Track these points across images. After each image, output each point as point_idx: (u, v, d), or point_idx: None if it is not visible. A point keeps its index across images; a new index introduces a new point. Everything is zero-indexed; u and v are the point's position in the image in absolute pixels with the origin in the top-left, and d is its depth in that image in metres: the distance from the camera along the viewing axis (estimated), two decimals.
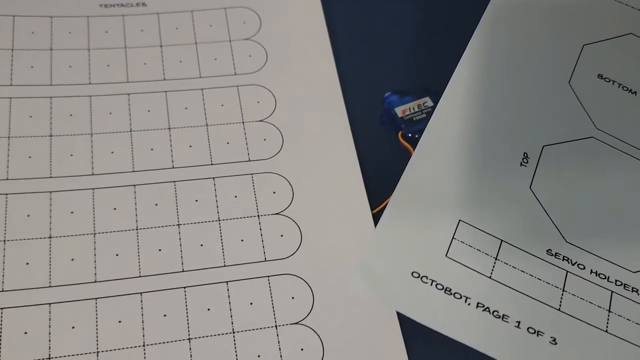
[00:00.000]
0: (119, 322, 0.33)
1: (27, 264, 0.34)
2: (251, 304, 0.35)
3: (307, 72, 0.43)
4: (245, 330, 0.34)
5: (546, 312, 0.35)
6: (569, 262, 0.37)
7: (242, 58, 0.43)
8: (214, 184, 0.38)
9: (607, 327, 0.35)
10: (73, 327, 0.33)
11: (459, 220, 0.37)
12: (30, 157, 0.37)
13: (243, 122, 0.40)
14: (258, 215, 0.37)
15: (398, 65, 0.44)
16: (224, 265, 0.36)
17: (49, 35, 0.42)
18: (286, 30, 0.44)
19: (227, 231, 0.37)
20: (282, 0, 0.45)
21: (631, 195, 0.39)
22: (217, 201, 0.37)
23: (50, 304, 0.33)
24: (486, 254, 0.36)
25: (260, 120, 0.41)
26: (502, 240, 0.37)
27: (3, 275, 0.34)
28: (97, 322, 0.33)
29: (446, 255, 0.36)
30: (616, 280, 0.36)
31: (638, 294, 0.36)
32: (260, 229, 0.37)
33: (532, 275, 0.36)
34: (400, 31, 0.46)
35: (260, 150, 0.39)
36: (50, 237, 0.35)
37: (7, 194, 0.36)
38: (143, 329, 0.33)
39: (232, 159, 0.39)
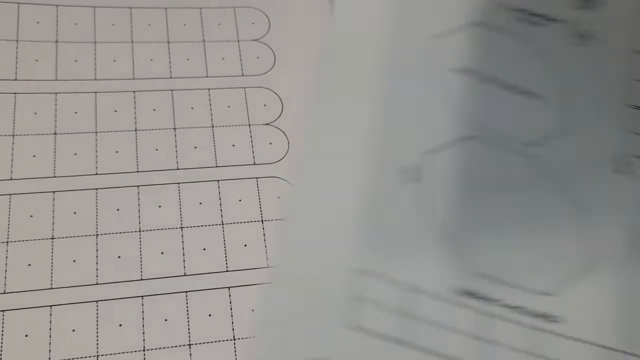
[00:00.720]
0: (120, 325, 0.33)
1: (29, 265, 0.34)
2: (253, 310, 0.35)
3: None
4: (247, 338, 0.34)
5: None
6: (477, 299, 0.31)
7: (250, 59, 0.42)
8: (218, 187, 0.38)
9: None
10: (73, 330, 0.33)
11: (354, 269, 0.32)
12: (34, 156, 0.37)
13: (249, 125, 0.40)
14: (262, 220, 0.37)
15: None
16: (227, 270, 0.35)
17: (54, 25, 0.41)
18: (294, 33, 0.44)
19: (230, 235, 0.36)
20: (291, 3, 0.45)
21: (520, 197, 0.34)
22: (220, 204, 0.37)
23: (51, 306, 0.33)
24: (389, 310, 0.31)
25: (267, 124, 0.40)
26: (404, 287, 0.32)
27: (5, 277, 0.34)
28: (97, 325, 0.33)
29: (345, 326, 0.31)
30: (533, 312, 0.32)
31: (558, 323, 0.31)
32: (264, 234, 0.37)
33: (442, 327, 0.31)
34: None
35: (266, 154, 0.39)
36: (52, 238, 0.35)
37: (10, 195, 0.36)
38: (144, 333, 0.33)
39: (237, 162, 0.39)
